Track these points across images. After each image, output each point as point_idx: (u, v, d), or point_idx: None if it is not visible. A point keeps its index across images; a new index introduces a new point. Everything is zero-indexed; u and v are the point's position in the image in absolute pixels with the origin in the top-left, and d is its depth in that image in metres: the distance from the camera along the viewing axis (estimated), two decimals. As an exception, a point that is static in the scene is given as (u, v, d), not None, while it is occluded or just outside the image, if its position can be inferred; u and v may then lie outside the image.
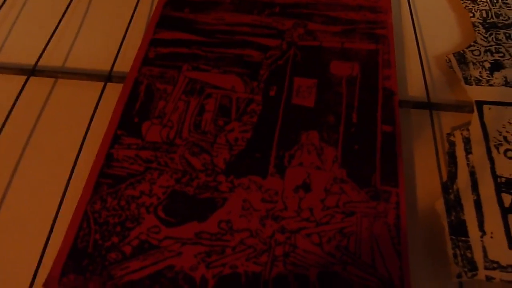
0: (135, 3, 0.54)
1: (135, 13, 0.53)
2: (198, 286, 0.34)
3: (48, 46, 0.50)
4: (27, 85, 0.46)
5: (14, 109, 0.44)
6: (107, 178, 0.39)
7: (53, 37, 0.51)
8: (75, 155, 0.41)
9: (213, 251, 0.35)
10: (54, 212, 0.38)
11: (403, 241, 0.36)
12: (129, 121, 0.43)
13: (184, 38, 0.49)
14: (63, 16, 0.53)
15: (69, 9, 0.54)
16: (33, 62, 0.49)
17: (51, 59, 0.50)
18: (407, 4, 0.55)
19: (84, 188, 0.39)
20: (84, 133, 0.42)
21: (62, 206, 0.38)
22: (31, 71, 0.48)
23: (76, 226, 0.37)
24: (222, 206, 0.38)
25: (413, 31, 0.51)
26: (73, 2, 0.55)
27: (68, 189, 0.39)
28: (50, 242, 0.36)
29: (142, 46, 0.48)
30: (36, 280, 0.35)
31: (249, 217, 0.37)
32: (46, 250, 0.36)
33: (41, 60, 0.49)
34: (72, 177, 0.40)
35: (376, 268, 0.35)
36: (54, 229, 0.37)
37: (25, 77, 0.47)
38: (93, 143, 0.41)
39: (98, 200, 0.38)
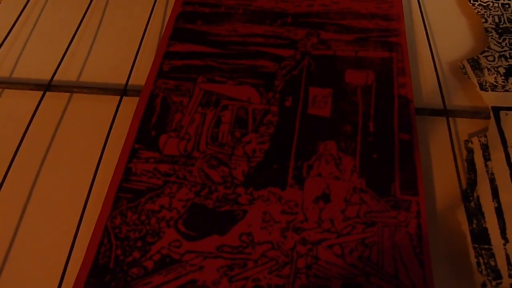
0: (147, 17, 0.55)
1: (148, 26, 0.54)
2: (221, 300, 0.34)
3: (63, 62, 0.50)
4: (43, 101, 0.47)
5: (31, 125, 0.45)
6: (126, 192, 0.39)
7: (67, 53, 0.51)
8: (93, 170, 0.41)
9: (235, 264, 0.35)
10: (75, 228, 0.38)
11: (426, 251, 0.35)
12: (146, 134, 0.43)
13: (197, 50, 0.49)
14: (76, 31, 0.53)
15: (82, 24, 0.55)
16: (48, 77, 0.49)
17: (66, 74, 0.50)
18: (419, 11, 0.55)
19: (103, 203, 0.39)
20: (101, 147, 0.42)
21: (82, 222, 0.38)
22: (47, 86, 0.48)
23: (97, 242, 0.37)
24: (242, 218, 0.38)
25: (425, 38, 0.51)
26: (86, 17, 0.56)
27: (88, 204, 0.39)
28: (71, 258, 0.36)
29: (156, 59, 0.49)
30: (59, 297, 0.35)
31: (270, 229, 0.37)
32: (68, 267, 0.36)
33: (56, 75, 0.49)
34: (91, 192, 0.40)
35: (399, 278, 0.34)
36: (75, 246, 0.37)
37: (41, 92, 0.47)
38: (111, 158, 0.41)
39: (118, 215, 0.38)
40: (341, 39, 0.50)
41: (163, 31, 0.52)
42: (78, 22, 0.54)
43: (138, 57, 0.50)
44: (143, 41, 0.52)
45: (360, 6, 0.53)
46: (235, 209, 0.38)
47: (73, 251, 0.37)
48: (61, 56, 0.50)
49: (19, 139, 0.44)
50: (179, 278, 0.35)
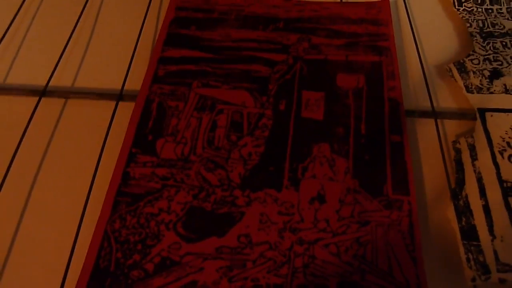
0: (141, 22, 0.55)
1: (142, 31, 0.54)
2: (222, 300, 0.35)
3: (58, 67, 0.51)
4: (39, 106, 0.47)
5: (27, 131, 0.45)
6: (125, 196, 0.40)
7: (62, 57, 0.52)
8: (91, 175, 0.41)
9: (234, 265, 0.36)
10: (74, 233, 0.38)
11: (418, 248, 0.37)
12: (143, 139, 0.43)
13: (192, 56, 0.50)
14: (70, 36, 0.54)
15: (75, 29, 0.55)
16: (43, 83, 0.49)
17: (61, 80, 0.51)
18: (406, 16, 0.56)
19: (102, 208, 0.39)
20: (99, 152, 0.43)
21: (82, 226, 0.38)
22: (42, 92, 0.48)
23: (97, 246, 0.37)
24: (240, 220, 0.39)
25: (413, 42, 0.53)
26: (80, 22, 0.56)
27: (87, 209, 0.39)
28: (72, 263, 0.37)
29: (151, 64, 0.49)
30: (60, 301, 0.35)
31: (267, 230, 0.38)
32: (68, 272, 0.36)
33: (51, 81, 0.49)
34: (90, 197, 0.40)
35: (393, 275, 0.35)
36: (75, 250, 0.37)
37: (37, 98, 0.47)
38: (108, 163, 0.42)
39: (117, 218, 0.39)
40: (332, 43, 0.51)
41: (157, 36, 0.53)
42: (72, 28, 0.55)
43: (133, 62, 0.51)
44: (137, 46, 0.52)
45: (349, 11, 0.54)
46: (232, 211, 0.39)
47: (73, 256, 0.37)
48: (56, 62, 0.51)
49: (15, 145, 0.44)
50: (180, 280, 0.35)
